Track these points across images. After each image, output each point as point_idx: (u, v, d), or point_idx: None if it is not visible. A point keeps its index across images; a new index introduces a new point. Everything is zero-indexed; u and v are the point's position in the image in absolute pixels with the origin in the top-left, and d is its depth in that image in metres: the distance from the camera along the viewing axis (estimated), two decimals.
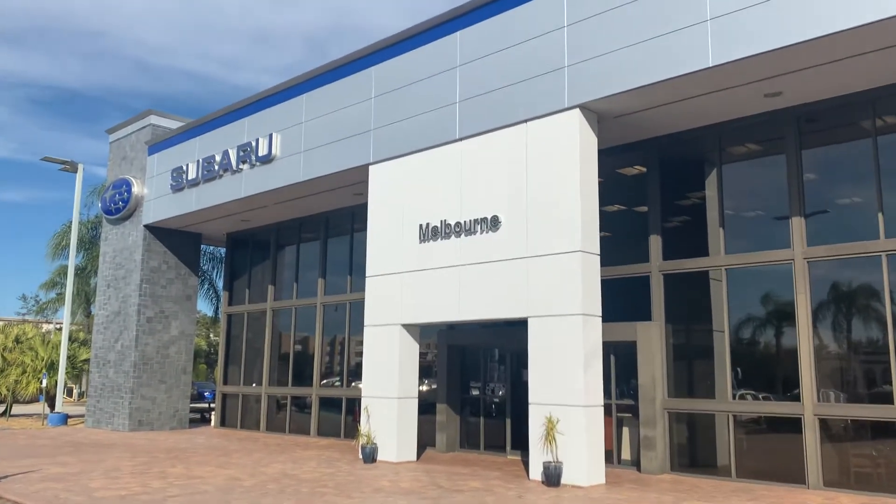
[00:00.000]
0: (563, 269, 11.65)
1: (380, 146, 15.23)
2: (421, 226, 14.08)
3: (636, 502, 9.80)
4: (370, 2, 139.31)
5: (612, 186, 13.45)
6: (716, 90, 11.26)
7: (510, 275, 12.41)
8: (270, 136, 17.92)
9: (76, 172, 25.91)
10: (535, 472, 11.60)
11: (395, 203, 14.81)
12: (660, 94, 11.43)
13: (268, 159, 17.94)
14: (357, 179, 16.48)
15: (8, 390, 26.39)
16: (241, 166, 18.76)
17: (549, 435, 11.23)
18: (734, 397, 12.15)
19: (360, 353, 18.10)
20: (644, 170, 13.94)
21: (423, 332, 15.05)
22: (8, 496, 10.17)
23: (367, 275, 15.22)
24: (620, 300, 13.09)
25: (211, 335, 50.08)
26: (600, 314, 11.81)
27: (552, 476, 11.06)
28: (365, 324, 15.06)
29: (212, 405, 26.46)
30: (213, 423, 23.10)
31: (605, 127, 12.52)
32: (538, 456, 11.53)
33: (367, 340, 15.00)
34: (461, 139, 13.65)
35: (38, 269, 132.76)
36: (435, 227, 13.82)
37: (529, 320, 12.05)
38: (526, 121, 12.54)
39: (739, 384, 12.24)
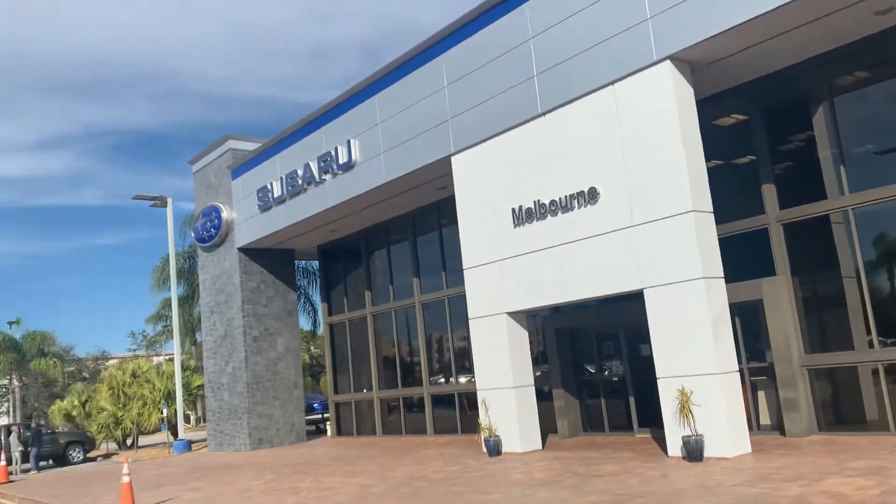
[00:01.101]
0: (676, 232, 10.98)
1: (459, 135, 14.88)
2: (514, 210, 13.65)
3: (795, 469, 9.09)
4: (412, 3, 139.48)
5: (709, 139, 12.67)
6: (818, 17, 10.35)
7: (616, 248, 11.83)
8: (348, 142, 17.86)
9: (166, 206, 26.72)
10: (674, 448, 11.01)
11: (482, 190, 14.43)
12: (756, 32, 10.60)
13: (348, 166, 17.88)
14: (440, 173, 16.19)
15: (132, 423, 27.53)
16: (323, 177, 18.79)
17: (684, 408, 10.62)
18: (878, 345, 11.19)
19: (464, 348, 17.87)
20: (744, 117, 13.07)
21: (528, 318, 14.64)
22: None
23: (464, 267, 14.91)
24: (738, 258, 12.28)
25: (312, 348, 51.12)
26: (723, 275, 11.09)
27: (693, 450, 10.44)
28: (469, 317, 14.75)
29: (325, 415, 26.85)
30: (329, 433, 23.36)
31: (698, 76, 11.76)
32: (674, 431, 10.93)
33: (473, 333, 14.69)
34: (544, 114, 13.13)
35: (143, 305, 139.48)
36: (529, 209, 13.36)
37: (645, 292, 11.44)
38: (612, 83, 11.91)
39: (881, 331, 11.27)
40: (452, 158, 15.09)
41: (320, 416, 27.60)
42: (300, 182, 19.55)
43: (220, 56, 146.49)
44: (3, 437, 24.82)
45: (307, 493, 11.71)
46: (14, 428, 25.28)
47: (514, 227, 13.63)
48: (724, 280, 11.12)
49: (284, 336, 22.99)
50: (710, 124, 12.98)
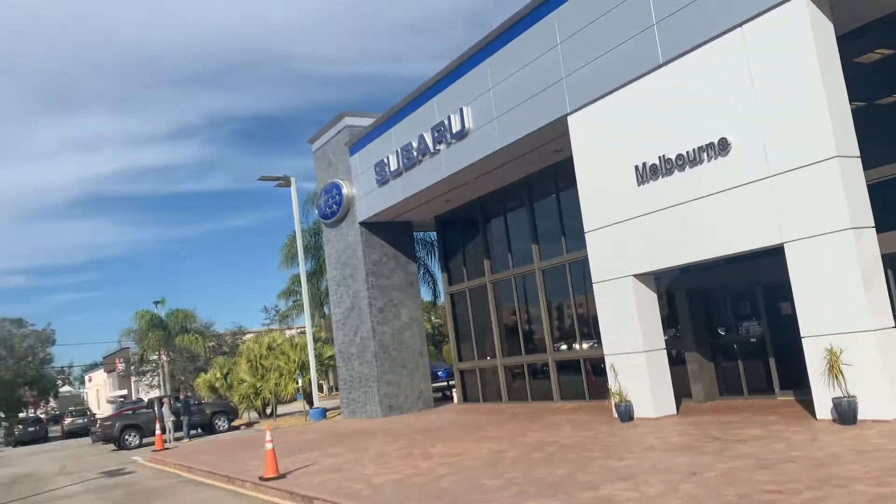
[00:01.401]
0: (819, 181, 10.19)
1: (575, 93, 14.43)
2: (637, 167, 13.13)
3: None
4: None
5: (851, 79, 11.61)
6: None
7: (752, 201, 11.13)
8: (461, 110, 17.77)
9: (290, 186, 27.71)
10: (822, 410, 10.34)
11: (602, 149, 13.96)
12: None
13: (462, 134, 17.81)
14: (555, 135, 15.81)
15: (270, 393, 29.09)
16: (437, 147, 18.83)
17: (834, 368, 9.92)
18: None
19: (587, 314, 17.53)
20: (890, 52, 11.89)
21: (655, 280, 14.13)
22: (297, 490, 10.87)
23: (585, 231, 14.55)
24: (890, 205, 11.27)
25: (433, 318, 52.01)
26: (873, 224, 10.22)
27: (846, 413, 9.76)
28: (594, 281, 14.41)
29: (450, 383, 27.29)
30: (455, 399, 23.72)
31: (836, 10, 10.76)
32: (823, 393, 10.25)
33: (598, 298, 14.35)
34: (665, 63, 12.47)
35: (274, 281, 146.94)
36: (653, 166, 12.80)
37: (786, 247, 10.71)
38: (741, 24, 11.12)
39: None
40: (569, 118, 14.69)
41: (445, 383, 28.08)
42: (415, 154, 19.69)
43: (329, 36, 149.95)
44: (156, 408, 26.88)
45: (439, 458, 11.91)
46: (166, 400, 27.30)
47: (638, 185, 13.13)
48: (874, 230, 10.24)
49: (407, 306, 23.44)
50: (851, 62, 11.90)
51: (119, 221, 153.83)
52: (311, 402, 27.87)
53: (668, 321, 15.60)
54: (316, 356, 27.57)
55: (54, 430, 46.83)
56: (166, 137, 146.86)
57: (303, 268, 28.56)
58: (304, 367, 28.44)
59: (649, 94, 12.84)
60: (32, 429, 44.07)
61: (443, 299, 32.54)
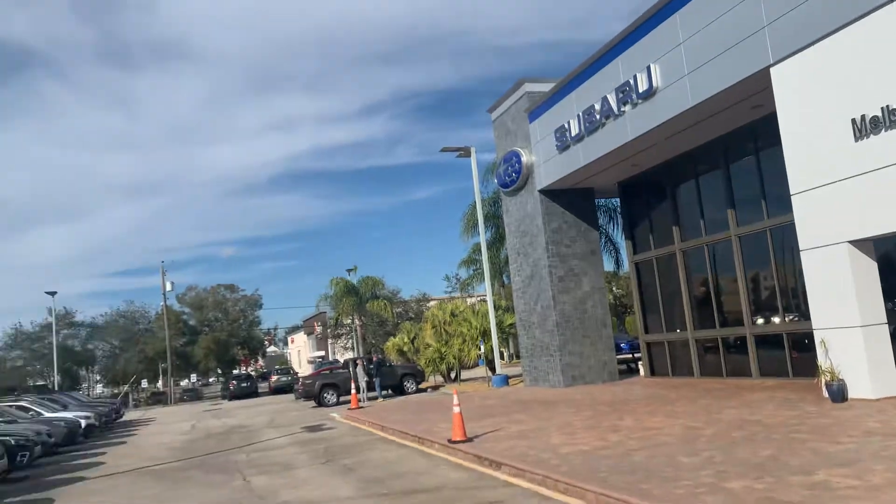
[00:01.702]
0: None
1: (780, 42, 13.10)
2: (854, 120, 11.71)
3: None
4: None
5: None
6: None
7: None
8: (648, 68, 16.84)
9: (470, 156, 27.99)
10: None
11: (812, 103, 12.59)
12: None
13: (649, 94, 16.90)
14: (755, 89, 14.52)
15: (454, 358, 29.89)
16: (622, 109, 18.05)
17: None
18: None
19: (791, 284, 16.11)
20: None
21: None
22: (485, 455, 11.01)
23: (791, 193, 13.26)
24: None
25: (614, 288, 50.77)
26: None
27: None
28: (801, 248, 13.15)
29: (635, 355, 26.48)
30: (641, 372, 22.96)
31: None
32: None
33: (807, 267, 13.08)
34: (890, 1, 10.93)
35: (455, 250, 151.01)
36: (874, 118, 11.35)
37: None
38: None
39: None
40: (772, 70, 13.39)
41: (631, 355, 27.30)
42: (598, 117, 19.02)
43: (510, 7, 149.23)
44: (351, 369, 28.60)
45: (629, 432, 11.53)
46: (359, 361, 28.95)
47: (856, 140, 11.72)
48: None
49: (589, 275, 22.93)
50: None
51: (315, 195, 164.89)
52: (492, 369, 28.29)
53: (889, 293, 13.92)
54: (497, 324, 27.86)
55: (262, 386, 51.50)
56: (356, 115, 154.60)
57: (483, 237, 28.87)
58: (485, 334, 28.89)
59: (870, 38, 11.35)
60: (245, 384, 48.75)
61: (626, 268, 31.61)
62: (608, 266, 38.89)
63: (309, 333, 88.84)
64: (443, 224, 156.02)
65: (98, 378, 72.49)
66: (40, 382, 61.81)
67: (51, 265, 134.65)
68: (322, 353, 77.98)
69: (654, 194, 21.88)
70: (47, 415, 23.69)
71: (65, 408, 26.50)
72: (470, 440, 12.48)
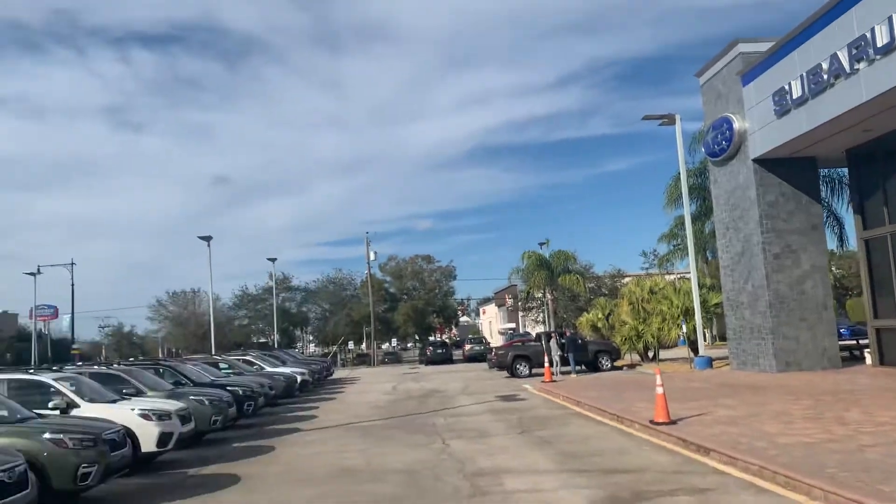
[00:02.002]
0: None
1: None
2: None
3: None
4: None
5: None
6: None
7: None
8: (889, 18, 14.78)
9: (674, 124, 26.51)
10: None
11: None
12: None
13: (889, 48, 14.86)
14: None
15: (653, 337, 28.76)
16: (855, 67, 16.04)
17: None
18: None
19: None
20: None
21: None
22: (691, 439, 10.40)
23: None
24: None
25: (833, 268, 46.14)
26: None
27: None
28: None
29: (859, 341, 23.93)
30: (868, 361, 20.63)
31: None
32: None
33: None
34: None
35: (652, 225, 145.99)
36: None
37: None
38: None
39: None
40: None
41: (855, 342, 24.65)
42: (825, 77, 17.09)
43: None
44: (544, 342, 28.53)
45: (858, 426, 10.34)
46: (554, 335, 28.79)
47: None
48: None
49: (809, 252, 20.88)
50: None
51: (508, 169, 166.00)
52: (695, 350, 26.85)
53: None
54: (700, 303, 26.34)
55: (456, 354, 53.11)
56: (550, 86, 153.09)
57: (687, 210, 27.31)
58: (687, 314, 27.45)
59: None
60: (440, 351, 50.59)
61: (852, 246, 28.53)
62: (830, 244, 35.37)
63: (500, 305, 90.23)
64: (638, 197, 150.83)
65: (310, 338, 78.87)
66: (262, 340, 68.49)
67: (272, 235, 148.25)
68: (512, 325, 78.90)
69: (890, 163, 19.36)
70: (268, 369, 26.04)
71: (283, 364, 28.99)
72: (674, 422, 11.87)
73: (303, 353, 68.41)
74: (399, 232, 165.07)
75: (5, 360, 58.66)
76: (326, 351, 66.34)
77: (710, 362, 24.28)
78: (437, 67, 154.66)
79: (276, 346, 56.21)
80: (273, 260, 58.16)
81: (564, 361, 27.27)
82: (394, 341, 76.08)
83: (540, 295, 53.28)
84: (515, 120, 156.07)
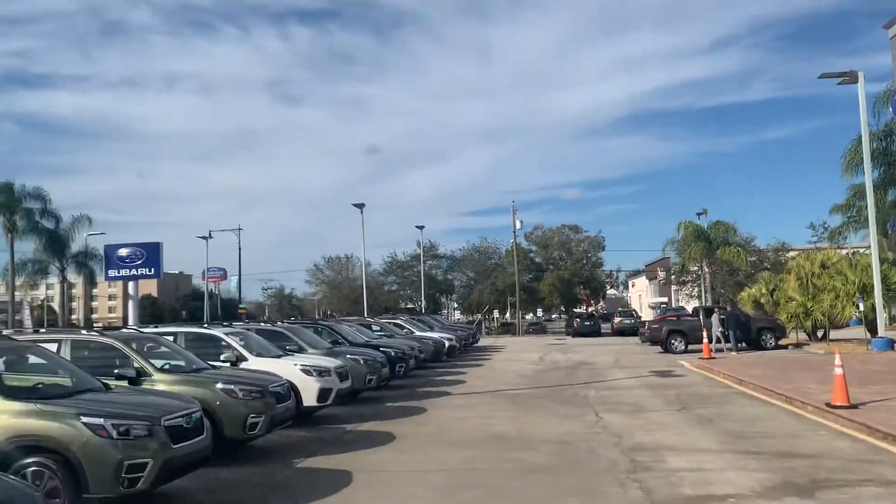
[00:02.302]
0: None
1: None
2: None
3: None
4: None
5: None
6: None
7: None
8: None
9: (856, 82, 23.96)
10: None
11: None
12: None
13: None
14: None
15: (823, 315, 26.52)
16: None
17: None
18: None
19: None
20: None
21: None
22: (877, 426, 9.39)
23: None
24: None
25: None
26: None
27: None
28: None
29: None
30: None
31: None
32: None
33: None
34: None
35: (822, 196, 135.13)
36: None
37: None
38: None
39: None
40: None
41: None
42: None
43: None
44: (702, 317, 27.10)
45: None
46: (715, 310, 27.22)
47: None
48: None
49: None
50: None
51: (659, 136, 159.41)
52: (872, 330, 24.45)
53: None
54: (882, 279, 23.87)
55: (604, 326, 51.90)
56: (706, 49, 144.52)
57: (868, 177, 24.71)
58: (864, 291, 25.00)
59: None
60: (588, 323, 49.65)
61: None
62: None
63: (651, 278, 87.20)
64: (806, 166, 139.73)
65: (455, 305, 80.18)
66: (409, 305, 70.44)
67: (419, 203, 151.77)
68: (664, 299, 76.01)
69: None
70: (417, 333, 26.59)
71: (431, 329, 29.53)
72: (854, 407, 10.81)
73: (448, 319, 69.72)
74: (544, 201, 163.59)
75: (181, 317, 64.26)
76: (471, 319, 67.18)
77: (890, 344, 22.01)
78: (587, 32, 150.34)
79: (422, 311, 57.62)
80: (421, 228, 59.38)
81: (725, 338, 25.76)
82: (539, 311, 75.59)
83: (695, 268, 50.80)
84: (669, 85, 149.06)
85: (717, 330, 25.19)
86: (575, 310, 68.34)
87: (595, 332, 48.01)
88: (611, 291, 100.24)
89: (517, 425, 11.44)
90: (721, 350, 24.98)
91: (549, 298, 67.59)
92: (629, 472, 7.98)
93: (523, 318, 65.64)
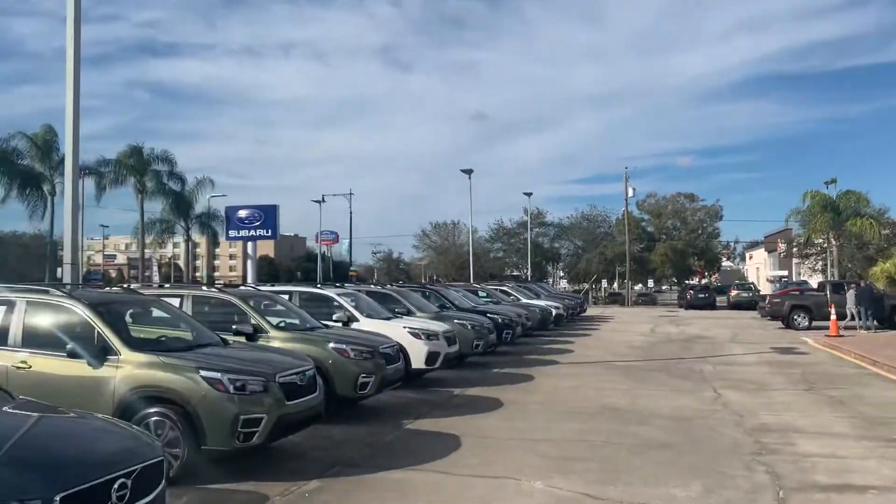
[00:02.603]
0: None
1: None
2: None
3: None
4: None
5: None
6: None
7: None
8: None
9: None
10: None
11: None
12: None
13: None
14: None
15: None
16: None
17: None
18: None
19: None
20: None
21: None
22: None
23: None
24: None
25: None
26: None
27: None
28: None
29: None
30: None
31: None
32: None
33: None
34: None
35: None
36: None
37: None
38: None
39: None
40: None
41: None
42: None
43: None
44: (828, 292, 25.34)
45: None
46: (851, 286, 25.31)
47: None
48: None
49: None
50: None
51: (783, 101, 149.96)
52: None
53: None
54: None
55: (719, 300, 49.72)
56: (840, 6, 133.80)
57: None
58: None
59: None
60: (702, 295, 47.72)
61: None
62: None
63: (770, 251, 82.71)
64: None
65: (561, 274, 79.12)
66: (515, 273, 70.05)
67: (526, 170, 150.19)
68: (784, 272, 71.97)
69: None
70: (524, 301, 26.29)
71: (537, 297, 29.13)
72: None
73: (554, 288, 68.90)
74: (657, 169, 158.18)
75: (296, 277, 66.74)
76: (577, 288, 66.09)
77: None
78: None
79: (528, 279, 57.17)
80: (529, 194, 58.60)
81: (857, 315, 23.96)
82: (649, 282, 73.37)
83: (821, 241, 47.66)
84: (795, 46, 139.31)
85: (852, 306, 23.42)
86: (687, 281, 65.89)
87: (709, 305, 46.12)
88: (726, 263, 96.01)
89: (630, 398, 11.01)
90: (853, 328, 23.27)
91: (661, 269, 65.41)
92: (755, 454, 7.45)
93: (632, 288, 63.96)
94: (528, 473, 6.67)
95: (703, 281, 70.61)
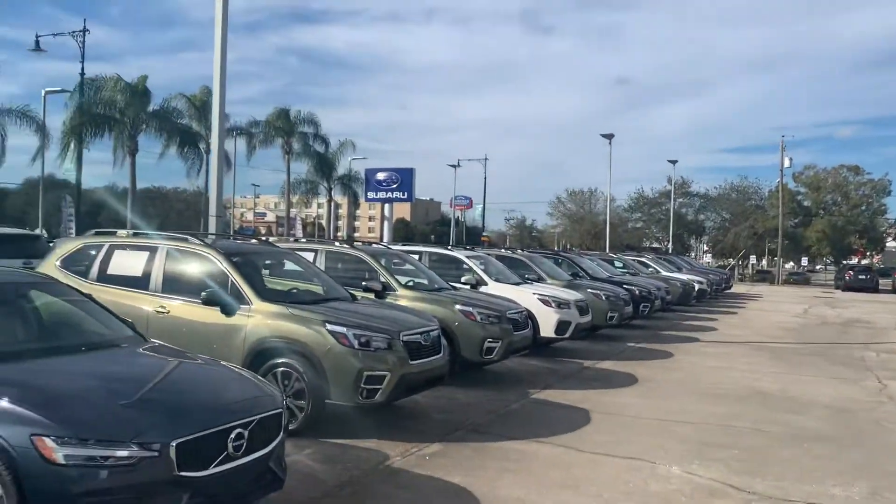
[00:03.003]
0: None
1: None
2: None
3: None
4: None
5: None
6: None
7: None
8: None
9: None
10: None
11: None
12: None
13: None
14: None
15: None
16: None
17: None
18: None
19: None
20: None
21: None
22: None
23: None
24: None
25: None
26: None
27: None
28: None
29: None
30: None
31: None
32: None
33: None
34: None
35: None
36: None
37: None
38: None
39: None
40: None
41: None
42: None
43: None
44: None
45: None
46: None
47: None
48: None
49: None
50: None
51: None
52: None
53: None
54: None
55: (883, 282, 45.44)
56: None
57: None
58: None
59: None
60: (863, 277, 43.81)
61: None
62: None
63: None
64: None
65: (705, 248, 75.33)
66: (654, 245, 67.39)
67: (671, 138, 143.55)
68: None
69: None
70: (664, 273, 25.04)
71: (679, 270, 27.68)
72: None
73: (696, 262, 65.71)
74: (816, 140, 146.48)
75: (430, 240, 67.80)
76: (722, 263, 62.68)
77: None
78: None
79: (668, 251, 54.81)
80: (674, 162, 55.91)
81: None
82: (802, 261, 68.34)
83: None
84: None
85: None
86: (844, 262, 60.74)
87: (870, 288, 42.26)
88: (892, 244, 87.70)
89: (781, 383, 10.06)
90: None
91: (817, 247, 60.60)
92: None
93: (783, 266, 59.84)
94: (664, 457, 6.14)
95: (864, 261, 64.80)
